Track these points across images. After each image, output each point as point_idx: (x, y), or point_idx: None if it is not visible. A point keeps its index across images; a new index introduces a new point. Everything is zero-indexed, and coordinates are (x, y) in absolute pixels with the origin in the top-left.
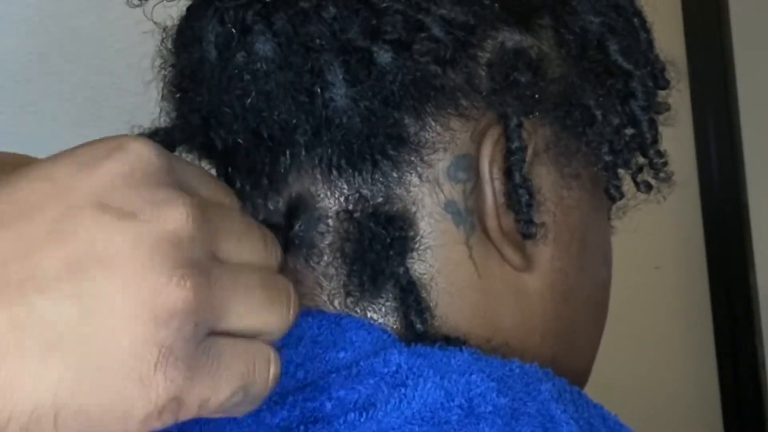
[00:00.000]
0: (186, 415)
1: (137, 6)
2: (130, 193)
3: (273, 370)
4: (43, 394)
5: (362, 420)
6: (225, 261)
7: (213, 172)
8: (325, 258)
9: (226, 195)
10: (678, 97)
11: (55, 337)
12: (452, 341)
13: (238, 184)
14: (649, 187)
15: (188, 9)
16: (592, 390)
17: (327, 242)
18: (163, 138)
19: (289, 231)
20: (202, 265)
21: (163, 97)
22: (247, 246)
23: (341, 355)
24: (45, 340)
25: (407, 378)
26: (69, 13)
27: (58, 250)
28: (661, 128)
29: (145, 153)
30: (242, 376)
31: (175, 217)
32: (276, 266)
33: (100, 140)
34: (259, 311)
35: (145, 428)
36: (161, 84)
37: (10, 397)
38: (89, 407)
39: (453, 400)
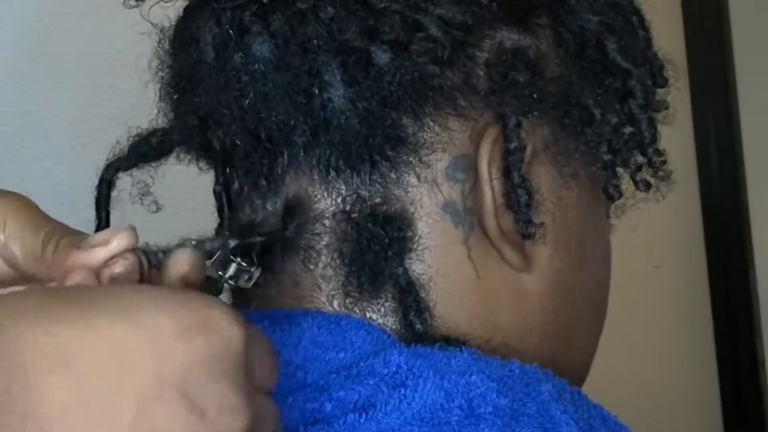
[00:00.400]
0: None
1: (134, 7)
2: (207, 386)
3: None
4: None
5: (362, 421)
6: None
7: (212, 172)
8: (323, 259)
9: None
10: (678, 96)
11: None
12: (452, 342)
13: (236, 185)
14: (648, 186)
15: (185, 10)
16: (592, 390)
17: (324, 243)
18: (161, 138)
19: (286, 232)
20: None
21: (160, 97)
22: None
23: (341, 355)
24: None
25: (407, 378)
26: (69, 13)
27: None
28: (660, 127)
29: (233, 339)
30: None
31: (233, 428)
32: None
33: (195, 305)
34: None
35: None
36: (159, 85)
37: None
38: None
39: (453, 401)
